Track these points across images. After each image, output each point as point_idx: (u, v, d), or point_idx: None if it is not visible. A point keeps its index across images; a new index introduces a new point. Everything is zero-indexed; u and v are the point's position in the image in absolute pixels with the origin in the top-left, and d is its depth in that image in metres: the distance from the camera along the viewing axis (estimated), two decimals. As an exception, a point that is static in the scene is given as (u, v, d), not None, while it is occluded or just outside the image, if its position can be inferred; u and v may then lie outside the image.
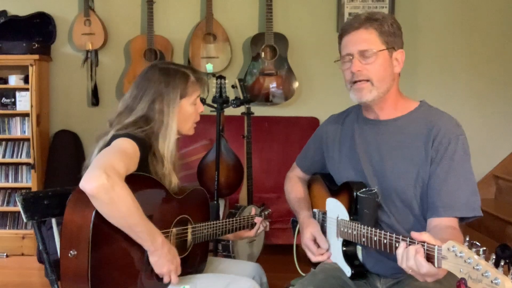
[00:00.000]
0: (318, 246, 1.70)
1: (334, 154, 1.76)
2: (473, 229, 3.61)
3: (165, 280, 1.58)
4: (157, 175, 1.65)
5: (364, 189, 1.57)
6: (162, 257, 1.54)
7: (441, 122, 1.54)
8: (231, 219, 1.90)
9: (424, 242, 1.23)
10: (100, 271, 1.44)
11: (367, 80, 1.55)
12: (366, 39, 1.55)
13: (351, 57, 1.57)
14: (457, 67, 4.15)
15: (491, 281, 1.04)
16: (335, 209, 1.67)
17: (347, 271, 1.63)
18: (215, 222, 1.83)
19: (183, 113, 1.73)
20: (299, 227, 1.81)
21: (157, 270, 1.56)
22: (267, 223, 2.04)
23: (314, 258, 1.70)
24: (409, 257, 1.25)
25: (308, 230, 1.72)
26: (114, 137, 1.58)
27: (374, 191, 1.55)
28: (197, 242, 1.76)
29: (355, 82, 1.57)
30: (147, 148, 1.62)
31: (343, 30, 1.61)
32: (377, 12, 1.61)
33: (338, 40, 1.65)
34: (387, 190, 1.58)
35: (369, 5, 4.08)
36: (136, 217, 1.45)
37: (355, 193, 1.57)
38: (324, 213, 1.74)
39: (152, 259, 1.54)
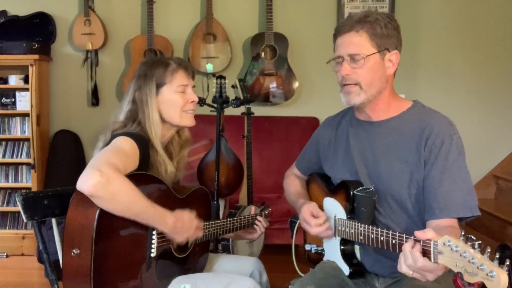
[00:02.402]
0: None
1: (330, 157, 1.76)
2: (473, 229, 3.61)
3: (190, 240, 1.67)
4: (155, 164, 1.66)
5: (360, 188, 1.57)
6: (178, 232, 1.59)
7: (434, 122, 1.53)
8: (231, 219, 1.90)
9: (429, 239, 1.22)
10: (102, 270, 1.45)
11: (356, 84, 1.55)
12: (355, 43, 1.54)
13: (341, 60, 1.57)
14: (457, 67, 4.15)
15: (487, 274, 1.04)
16: (333, 208, 1.67)
17: (346, 270, 1.63)
18: (215, 221, 1.83)
19: (166, 101, 1.71)
20: (297, 210, 1.79)
21: (178, 241, 1.62)
22: (267, 221, 2.04)
23: (312, 230, 1.66)
24: (406, 255, 1.25)
25: (306, 206, 1.70)
26: (113, 137, 1.59)
27: (371, 189, 1.55)
28: (198, 241, 1.76)
29: (344, 85, 1.57)
30: (146, 143, 1.62)
31: (336, 31, 1.60)
32: (372, 12, 1.57)
33: (333, 40, 1.63)
34: (382, 192, 1.57)
35: (369, 5, 4.08)
36: (140, 205, 1.46)
37: (351, 192, 1.57)
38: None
39: (170, 237, 1.59)
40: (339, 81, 1.59)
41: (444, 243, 1.15)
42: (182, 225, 1.59)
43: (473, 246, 1.09)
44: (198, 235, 1.68)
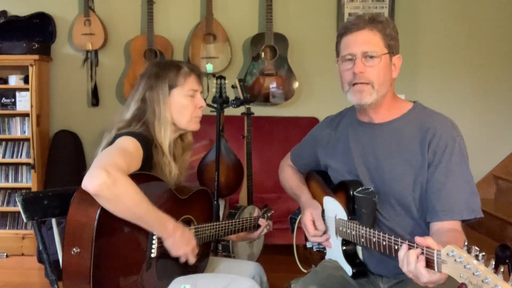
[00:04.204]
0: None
1: (329, 158, 1.75)
2: (473, 229, 3.61)
3: (182, 260, 1.62)
4: (159, 165, 1.66)
5: (360, 188, 1.55)
6: (176, 241, 1.57)
7: (437, 124, 1.52)
8: (234, 220, 1.90)
9: (428, 247, 1.20)
10: (102, 269, 1.45)
11: (367, 83, 1.53)
12: (370, 41, 1.53)
13: (353, 58, 1.53)
14: (457, 67, 4.15)
15: None
16: (333, 208, 1.67)
17: (348, 270, 1.63)
18: (218, 223, 1.83)
19: (176, 104, 1.72)
20: (300, 208, 1.81)
21: (173, 253, 1.59)
22: (271, 224, 2.04)
23: (310, 238, 1.72)
24: (410, 262, 1.23)
25: (309, 210, 1.72)
26: (117, 136, 1.60)
27: (370, 190, 1.54)
28: (200, 242, 1.76)
29: (355, 84, 1.54)
30: (149, 143, 1.63)
31: (346, 29, 1.57)
32: (380, 15, 1.58)
33: (338, 39, 1.61)
34: (385, 195, 1.56)
35: (369, 5, 4.08)
36: (142, 208, 1.46)
37: (351, 193, 1.56)
38: (322, 211, 1.73)
39: (167, 244, 1.57)
40: (349, 80, 1.55)
41: (447, 254, 1.13)
42: (182, 236, 1.58)
43: (476, 257, 1.07)
44: (191, 259, 1.63)
